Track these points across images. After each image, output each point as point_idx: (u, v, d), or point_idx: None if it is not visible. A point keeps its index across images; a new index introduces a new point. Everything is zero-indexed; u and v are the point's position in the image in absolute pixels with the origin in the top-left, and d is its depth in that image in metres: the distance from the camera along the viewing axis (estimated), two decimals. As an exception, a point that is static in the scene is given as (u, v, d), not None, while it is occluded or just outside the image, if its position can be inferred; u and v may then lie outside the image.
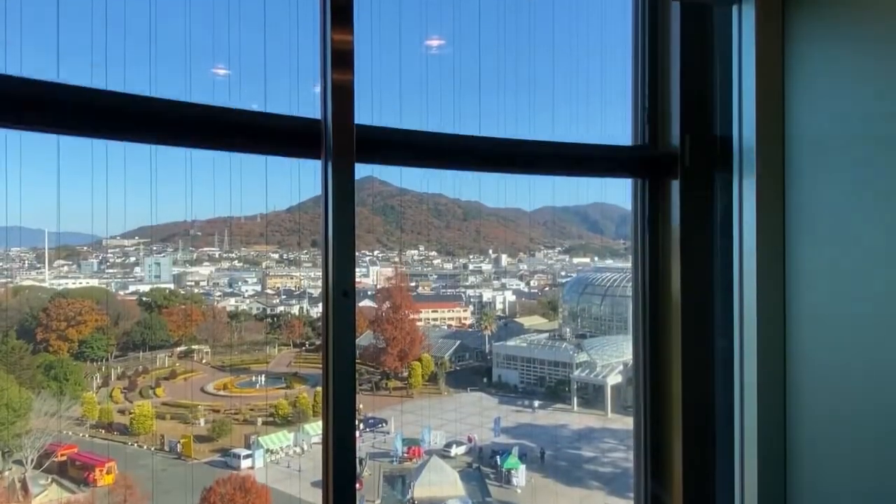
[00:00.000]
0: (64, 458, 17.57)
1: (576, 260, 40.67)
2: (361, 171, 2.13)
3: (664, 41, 2.59)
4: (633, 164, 2.72)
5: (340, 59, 2.04)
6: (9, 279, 29.01)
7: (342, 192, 2.03)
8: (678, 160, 2.49)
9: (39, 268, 30.39)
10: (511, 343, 25.76)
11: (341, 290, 2.02)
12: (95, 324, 24.64)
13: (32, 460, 16.87)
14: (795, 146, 2.20)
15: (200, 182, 39.97)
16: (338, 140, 2.03)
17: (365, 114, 2.09)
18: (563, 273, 39.14)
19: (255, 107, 2.17)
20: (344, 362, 2.03)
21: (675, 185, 2.51)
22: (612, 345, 23.78)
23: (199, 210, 38.86)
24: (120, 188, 28.81)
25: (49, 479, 16.76)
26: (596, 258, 41.41)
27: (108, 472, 17.32)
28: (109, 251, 33.28)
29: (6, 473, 16.73)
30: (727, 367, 2.37)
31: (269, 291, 32.47)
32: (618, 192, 39.17)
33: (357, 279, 2.13)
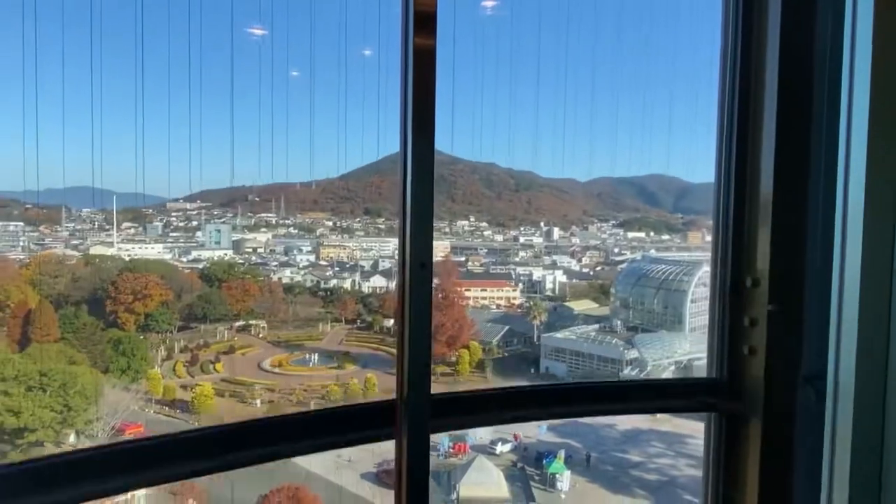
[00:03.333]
0: (132, 437, 18.66)
1: (630, 234, 39.45)
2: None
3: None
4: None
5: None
6: (80, 240, 30.63)
7: (422, 163, 2.09)
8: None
9: (108, 229, 31.87)
10: (560, 335, 25.57)
11: (419, 262, 2.09)
12: (160, 298, 25.78)
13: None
14: None
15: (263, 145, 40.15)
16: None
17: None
18: (616, 250, 38.27)
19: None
20: (421, 332, 2.11)
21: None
22: (664, 342, 23.30)
23: (259, 175, 39.51)
24: (185, 150, 29.56)
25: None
26: (652, 233, 40.10)
27: (171, 455, 18.28)
28: (173, 214, 34.58)
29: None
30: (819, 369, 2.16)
31: (322, 262, 33.11)
32: (679, 164, 37.40)
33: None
